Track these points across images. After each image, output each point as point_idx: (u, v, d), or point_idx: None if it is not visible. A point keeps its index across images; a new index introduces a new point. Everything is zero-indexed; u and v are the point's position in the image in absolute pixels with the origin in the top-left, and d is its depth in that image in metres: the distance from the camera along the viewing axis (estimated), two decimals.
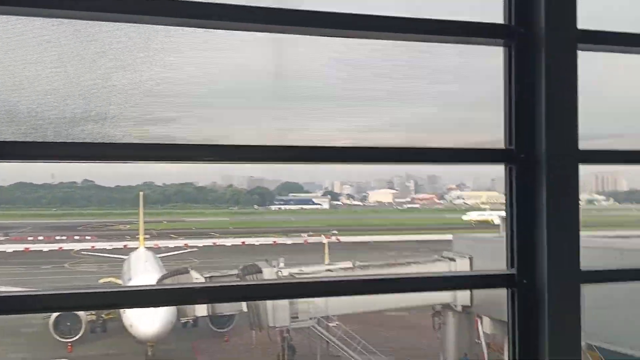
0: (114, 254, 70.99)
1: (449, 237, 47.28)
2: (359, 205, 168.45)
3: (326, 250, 53.02)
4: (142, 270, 44.51)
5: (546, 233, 3.01)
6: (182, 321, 39.75)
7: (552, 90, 2.99)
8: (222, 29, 2.85)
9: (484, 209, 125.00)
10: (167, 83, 2.86)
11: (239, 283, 2.89)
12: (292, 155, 2.93)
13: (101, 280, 55.85)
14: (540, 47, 3.00)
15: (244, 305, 32.34)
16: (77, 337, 38.42)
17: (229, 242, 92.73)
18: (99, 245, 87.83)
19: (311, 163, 3.05)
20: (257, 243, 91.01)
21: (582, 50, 3.03)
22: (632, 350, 24.04)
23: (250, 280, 31.84)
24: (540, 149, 3.05)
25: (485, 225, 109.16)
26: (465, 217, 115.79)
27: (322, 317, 33.87)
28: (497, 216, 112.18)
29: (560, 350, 3.00)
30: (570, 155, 3.03)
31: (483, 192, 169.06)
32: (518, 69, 3.10)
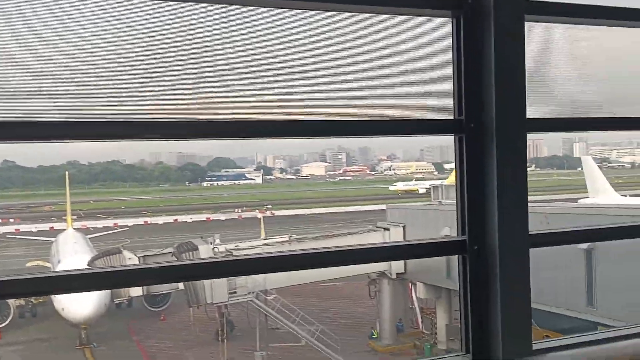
0: (41, 237, 68.49)
1: (382, 207, 48.21)
2: (292, 178, 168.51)
3: (262, 225, 52.96)
4: (72, 251, 43.14)
5: (497, 200, 3.09)
6: (116, 302, 38.97)
7: (501, 59, 3.05)
8: None
9: (417, 179, 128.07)
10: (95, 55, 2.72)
11: (177, 263, 2.80)
12: (225, 131, 2.86)
13: (29, 264, 53.81)
14: (489, 18, 3.04)
15: (180, 284, 32.01)
16: (5, 323, 37.02)
17: (160, 220, 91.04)
18: (24, 227, 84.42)
19: (248, 138, 3.01)
20: (190, 220, 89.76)
21: (529, 21, 3.09)
22: (557, 309, 25.38)
23: (187, 258, 31.52)
24: (490, 118, 3.11)
25: (412, 194, 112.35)
26: (392, 188, 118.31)
27: (260, 291, 33.96)
28: (422, 186, 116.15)
29: (511, 313, 3.10)
30: (518, 124, 3.11)
31: (413, 163, 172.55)
32: (467, 39, 3.13)
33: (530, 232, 3.16)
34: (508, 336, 3.10)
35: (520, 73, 3.08)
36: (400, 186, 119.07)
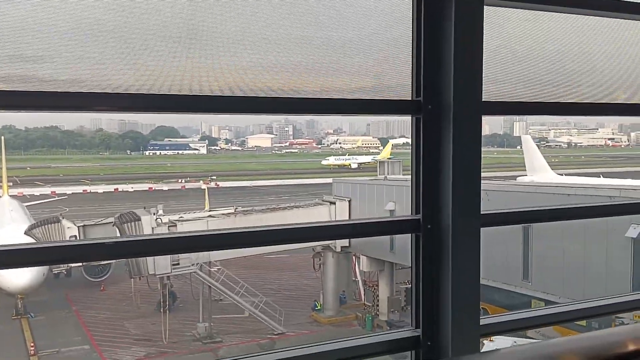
0: None
1: (328, 180, 48.46)
2: (237, 150, 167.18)
3: (206, 196, 52.45)
4: (8, 220, 41.73)
5: (451, 180, 3.17)
6: (55, 272, 38.10)
7: (460, 42, 3.10)
8: None
9: (365, 153, 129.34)
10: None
11: (120, 239, 2.76)
12: (169, 105, 2.85)
13: None
14: (450, 1, 3.08)
15: None
16: None
17: (100, 189, 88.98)
18: None
19: (190, 113, 2.99)
20: (131, 190, 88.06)
21: (488, 5, 3.15)
22: (494, 283, 26.28)
23: (129, 228, 31.00)
24: (448, 100, 3.17)
25: (345, 169, 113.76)
26: (324, 162, 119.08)
27: (204, 263, 33.83)
28: (354, 161, 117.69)
29: (462, 290, 3.21)
30: (475, 107, 3.19)
31: (359, 137, 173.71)
32: (427, 20, 3.17)
33: (481, 212, 3.26)
34: (457, 312, 3.20)
35: (478, 56, 3.14)
36: (332, 161, 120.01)
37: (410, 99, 3.32)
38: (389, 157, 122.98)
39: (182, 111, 2.97)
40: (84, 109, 2.76)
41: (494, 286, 26.48)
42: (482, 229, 3.30)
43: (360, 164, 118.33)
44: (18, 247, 2.62)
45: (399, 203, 31.92)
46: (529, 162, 58.08)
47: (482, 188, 3.29)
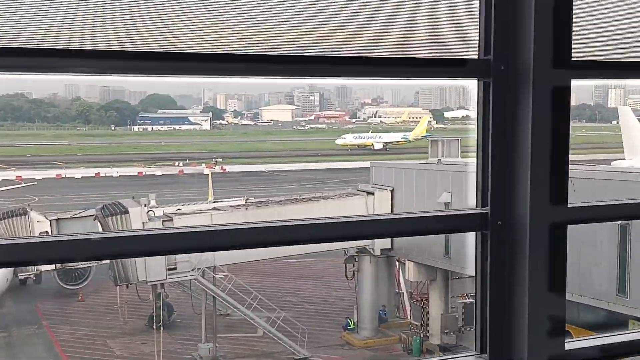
0: None
1: (365, 164, 48.42)
2: (249, 125, 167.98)
3: (210, 183, 52.80)
4: None
5: (530, 164, 3.13)
6: (21, 277, 38.83)
7: None
8: None
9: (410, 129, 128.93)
10: None
11: (108, 235, 2.76)
12: (164, 66, 2.85)
13: None
14: None
15: None
16: None
17: (78, 173, 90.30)
18: None
19: (191, 76, 2.99)
20: (116, 174, 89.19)
21: None
22: (580, 298, 25.96)
23: (114, 223, 31.40)
24: (526, 60, 3.12)
25: (364, 150, 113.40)
26: (339, 141, 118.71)
27: (207, 267, 34.14)
28: (377, 141, 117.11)
29: (541, 304, 3.17)
30: (562, 69, 3.13)
31: (404, 109, 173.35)
32: None
33: (570, 205, 3.22)
34: (535, 333, 3.18)
35: (567, 5, 3.09)
36: (349, 139, 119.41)
37: (476, 57, 3.28)
38: (425, 134, 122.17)
39: (180, 73, 2.97)
40: (56, 70, 2.76)
41: (579, 302, 26.24)
42: (568, 227, 3.26)
43: (387, 143, 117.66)
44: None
45: (456, 194, 31.77)
46: (627, 142, 57.15)
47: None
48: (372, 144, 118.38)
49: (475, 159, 3.41)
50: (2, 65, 2.63)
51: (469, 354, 3.39)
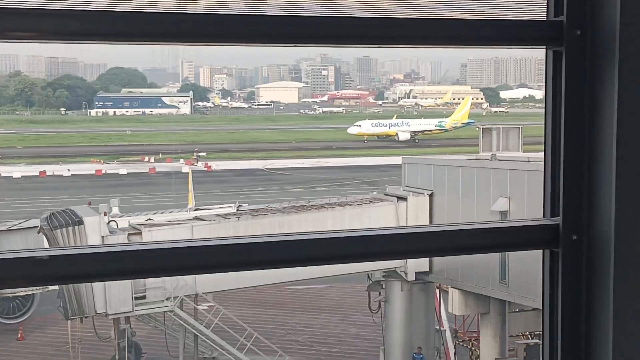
0: None
1: (396, 160, 48.46)
2: (242, 108, 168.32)
3: (190, 185, 53.02)
4: None
5: (615, 162, 3.13)
6: None
7: None
8: None
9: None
10: None
11: (46, 254, 2.76)
12: (130, 28, 2.86)
13: None
14: None
15: None
16: None
17: (17, 170, 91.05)
18: None
19: (165, 43, 3.01)
20: (67, 173, 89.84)
21: None
22: None
23: (64, 236, 31.60)
24: (609, 21, 3.13)
25: (386, 141, 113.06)
26: (351, 131, 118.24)
27: (186, 296, 34.27)
28: (403, 130, 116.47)
29: (629, 340, 3.18)
30: None
31: (448, 87, 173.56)
32: None
33: None
34: None
35: None
36: (365, 128, 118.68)
37: (544, 19, 3.29)
38: (467, 121, 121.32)
39: (154, 39, 2.99)
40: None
41: None
42: None
43: (415, 133, 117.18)
44: None
45: (516, 200, 31.76)
46: None
47: None
48: (397, 134, 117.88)
49: (542, 153, 3.41)
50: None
51: None
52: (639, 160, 3.15)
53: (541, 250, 3.37)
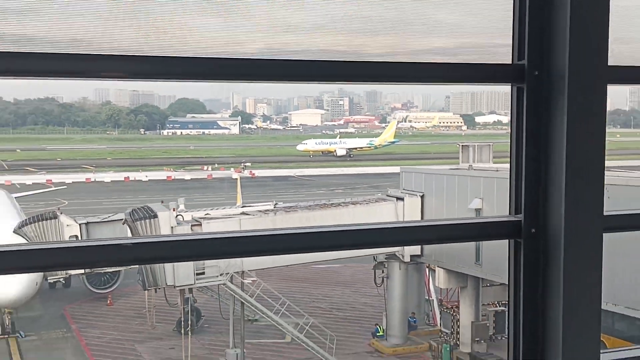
0: None
1: (395, 169, 48.34)
2: (278, 129, 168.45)
3: (238, 188, 53.05)
4: None
5: (565, 171, 3.09)
6: (50, 281, 39.29)
7: None
8: None
9: (444, 135, 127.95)
10: None
11: (131, 241, 2.80)
12: (193, 70, 2.88)
13: None
14: None
15: None
16: None
17: (107, 177, 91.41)
18: None
19: (220, 81, 3.01)
20: (145, 178, 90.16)
21: None
22: (614, 307, 25.68)
23: (142, 227, 31.70)
24: (560, 65, 3.09)
25: (327, 155, 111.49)
26: (300, 147, 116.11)
27: (235, 272, 34.28)
28: (341, 147, 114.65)
29: (576, 315, 3.14)
30: (597, 74, 3.09)
31: (435, 114, 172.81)
32: None
33: (605, 213, 3.18)
34: (570, 344, 3.13)
35: (603, 5, 3.06)
36: (311, 145, 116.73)
37: (510, 62, 3.26)
38: (392, 140, 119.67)
39: (210, 78, 2.99)
40: (86, 75, 2.81)
41: (614, 311, 25.92)
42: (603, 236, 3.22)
43: (350, 149, 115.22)
44: (4, 249, 2.67)
45: (488, 200, 31.57)
46: None
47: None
48: (335, 150, 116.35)
49: (508, 165, 3.39)
50: (32, 70, 2.69)
51: None
52: (583, 171, 3.12)
53: (507, 240, 3.35)
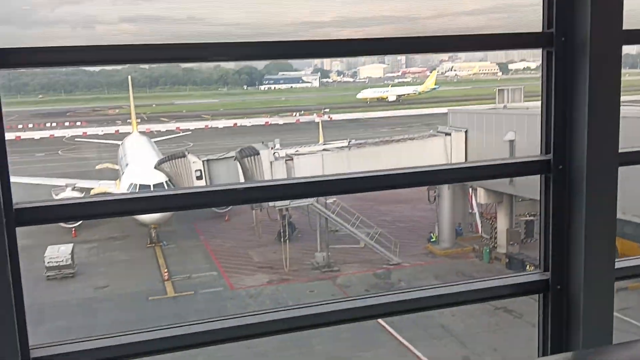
0: (107, 140, 70.99)
1: (443, 110, 47.34)
2: (349, 81, 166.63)
3: (320, 129, 53.05)
4: (139, 155, 44.68)
5: (587, 118, 3.00)
6: None
7: None
8: None
9: (483, 81, 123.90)
10: None
11: (244, 186, 2.90)
12: (289, 51, 2.89)
13: (98, 167, 56.25)
14: None
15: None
16: (79, 222, 39.08)
17: (220, 124, 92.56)
18: (91, 130, 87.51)
19: (314, 57, 3.00)
20: (249, 124, 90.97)
21: None
22: (629, 216, 24.85)
23: (249, 162, 32.22)
24: (584, 31, 2.96)
25: (381, 102, 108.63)
26: (359, 95, 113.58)
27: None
28: (392, 93, 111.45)
29: (595, 235, 3.08)
30: (614, 37, 2.95)
31: (475, 63, 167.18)
32: None
33: (620, 151, 3.08)
34: (590, 256, 3.09)
35: None
36: (368, 93, 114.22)
37: (540, 31, 3.14)
38: (433, 87, 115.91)
39: (301, 56, 2.99)
40: (205, 59, 2.87)
41: (625, 219, 25.12)
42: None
43: (399, 96, 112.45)
44: (158, 194, 2.79)
45: (519, 133, 30.69)
46: None
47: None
48: (387, 97, 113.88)
49: (535, 103, 3.30)
50: (165, 56, 2.77)
51: (534, 272, 3.34)
52: (601, 120, 3.01)
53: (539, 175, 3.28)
